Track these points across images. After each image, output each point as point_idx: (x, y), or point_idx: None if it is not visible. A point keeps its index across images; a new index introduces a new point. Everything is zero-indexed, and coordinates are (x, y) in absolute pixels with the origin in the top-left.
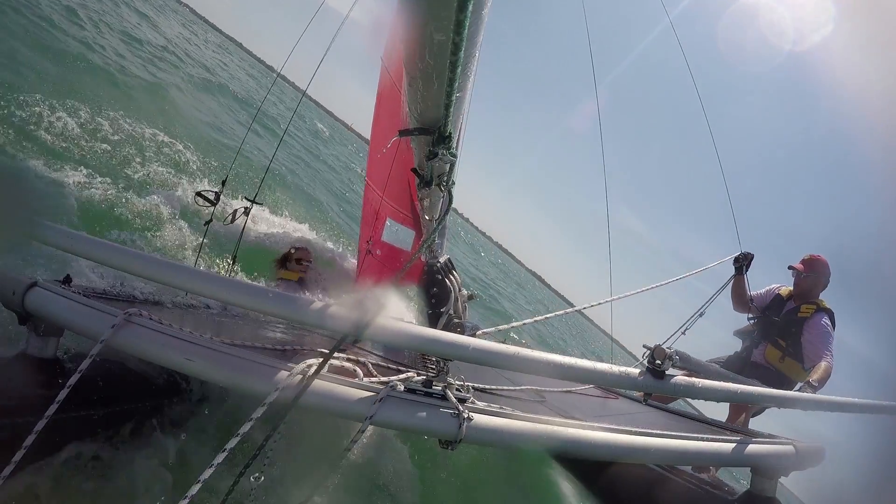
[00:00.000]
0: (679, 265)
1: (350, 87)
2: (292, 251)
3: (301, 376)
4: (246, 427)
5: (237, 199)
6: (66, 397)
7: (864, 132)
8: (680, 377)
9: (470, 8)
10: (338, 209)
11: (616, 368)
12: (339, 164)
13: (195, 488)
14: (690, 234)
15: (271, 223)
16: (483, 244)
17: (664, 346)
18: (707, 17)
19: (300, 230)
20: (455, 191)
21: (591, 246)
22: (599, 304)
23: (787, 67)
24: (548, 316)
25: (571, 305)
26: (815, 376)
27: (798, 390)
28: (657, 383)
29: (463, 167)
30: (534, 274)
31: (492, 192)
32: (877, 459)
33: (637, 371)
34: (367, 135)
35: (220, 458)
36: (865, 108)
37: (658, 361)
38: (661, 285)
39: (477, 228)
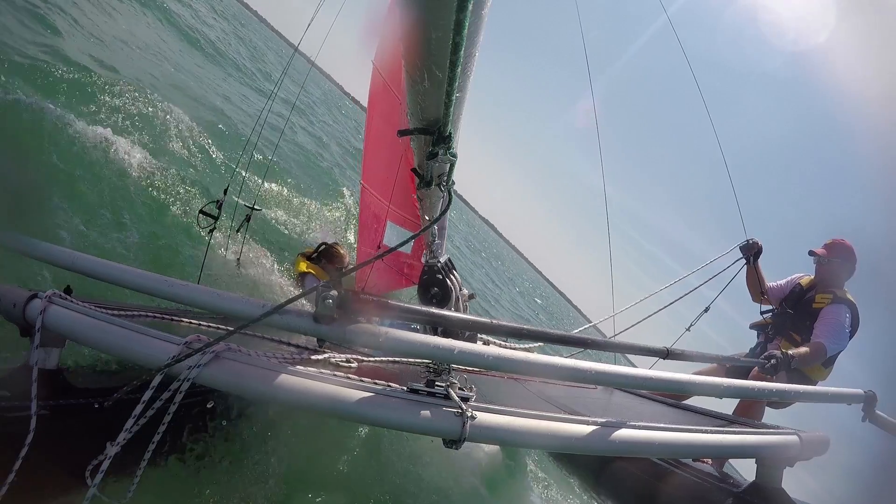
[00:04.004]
0: (634, 227)
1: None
2: (340, 250)
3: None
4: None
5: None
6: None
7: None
8: (356, 325)
9: (470, 8)
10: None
11: (289, 314)
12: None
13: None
14: (671, 213)
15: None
16: None
17: (329, 287)
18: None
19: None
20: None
21: (549, 193)
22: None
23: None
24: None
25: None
26: (799, 349)
27: (766, 357)
28: (325, 329)
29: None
30: (486, 221)
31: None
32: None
33: (296, 311)
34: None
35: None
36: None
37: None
38: (662, 290)
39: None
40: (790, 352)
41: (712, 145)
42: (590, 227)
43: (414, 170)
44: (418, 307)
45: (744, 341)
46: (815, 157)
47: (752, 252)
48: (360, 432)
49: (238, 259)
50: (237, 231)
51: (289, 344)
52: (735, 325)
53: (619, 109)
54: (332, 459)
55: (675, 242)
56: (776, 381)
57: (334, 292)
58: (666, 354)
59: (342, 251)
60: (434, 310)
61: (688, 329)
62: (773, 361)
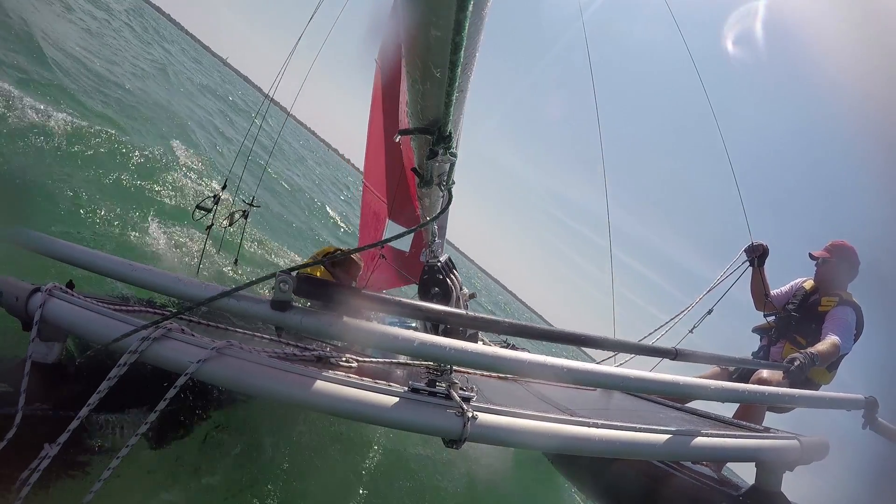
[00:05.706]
0: (557, 207)
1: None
2: (356, 259)
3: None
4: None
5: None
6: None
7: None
8: (313, 313)
9: (470, 8)
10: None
11: (246, 300)
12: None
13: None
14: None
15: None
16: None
17: (286, 273)
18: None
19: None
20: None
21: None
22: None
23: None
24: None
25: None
26: (817, 347)
27: (789, 360)
28: (280, 316)
29: None
30: None
31: None
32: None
33: (253, 297)
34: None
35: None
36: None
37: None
38: (672, 319)
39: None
40: (810, 350)
41: (699, 142)
42: (509, 207)
43: (414, 169)
44: (383, 295)
45: (739, 351)
46: (813, 157)
47: (756, 255)
48: (361, 434)
49: (236, 259)
50: (230, 225)
51: (289, 343)
52: (729, 336)
53: (570, 93)
54: (334, 460)
55: (632, 237)
56: (790, 386)
57: (290, 278)
58: (675, 355)
59: (355, 257)
60: (402, 299)
61: (691, 331)
62: (797, 363)
